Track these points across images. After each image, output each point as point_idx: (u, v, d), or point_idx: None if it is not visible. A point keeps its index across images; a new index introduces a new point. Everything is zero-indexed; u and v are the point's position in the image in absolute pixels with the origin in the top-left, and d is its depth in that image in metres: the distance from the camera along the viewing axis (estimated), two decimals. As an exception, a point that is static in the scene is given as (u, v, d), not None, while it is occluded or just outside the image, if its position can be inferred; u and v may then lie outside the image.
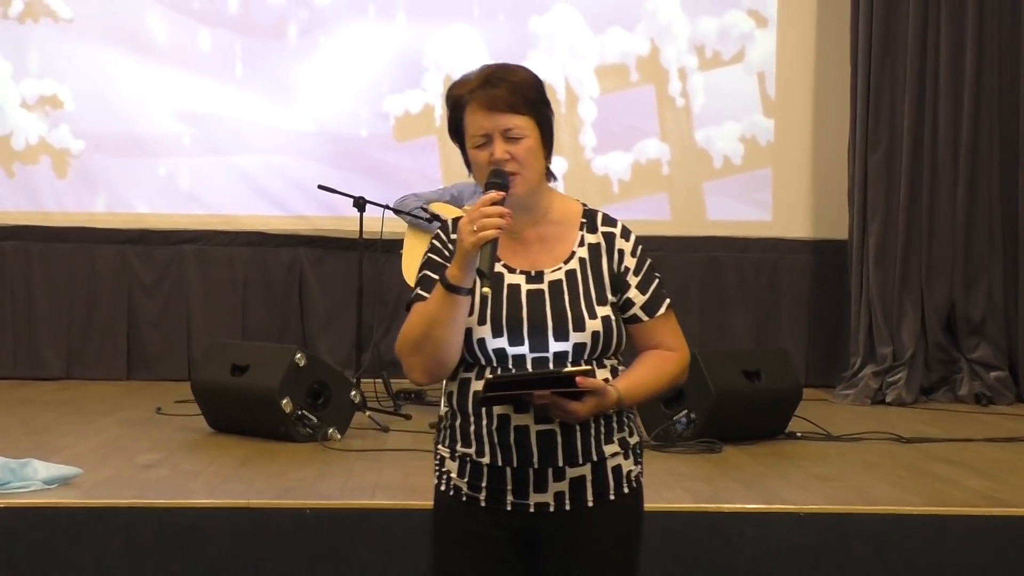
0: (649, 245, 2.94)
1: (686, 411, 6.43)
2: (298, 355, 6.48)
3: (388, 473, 5.57)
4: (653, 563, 4.81)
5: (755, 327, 9.26)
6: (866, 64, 8.78)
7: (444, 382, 2.87)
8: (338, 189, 7.70)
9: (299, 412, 6.39)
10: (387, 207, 7.53)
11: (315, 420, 6.41)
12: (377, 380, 7.75)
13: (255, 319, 9.16)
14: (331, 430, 6.43)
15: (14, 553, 4.73)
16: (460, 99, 2.81)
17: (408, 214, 7.50)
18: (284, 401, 6.32)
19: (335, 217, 8.81)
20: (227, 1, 9.19)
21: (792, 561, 4.87)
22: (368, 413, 6.89)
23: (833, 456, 6.30)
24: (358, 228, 7.59)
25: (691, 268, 9.15)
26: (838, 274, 9.16)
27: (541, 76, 2.86)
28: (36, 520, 4.79)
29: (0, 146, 9.12)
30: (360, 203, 7.54)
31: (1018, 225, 8.78)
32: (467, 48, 9.06)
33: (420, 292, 2.82)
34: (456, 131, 2.84)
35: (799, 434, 6.78)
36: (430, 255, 2.87)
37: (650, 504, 4.93)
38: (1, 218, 9.10)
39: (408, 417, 7.11)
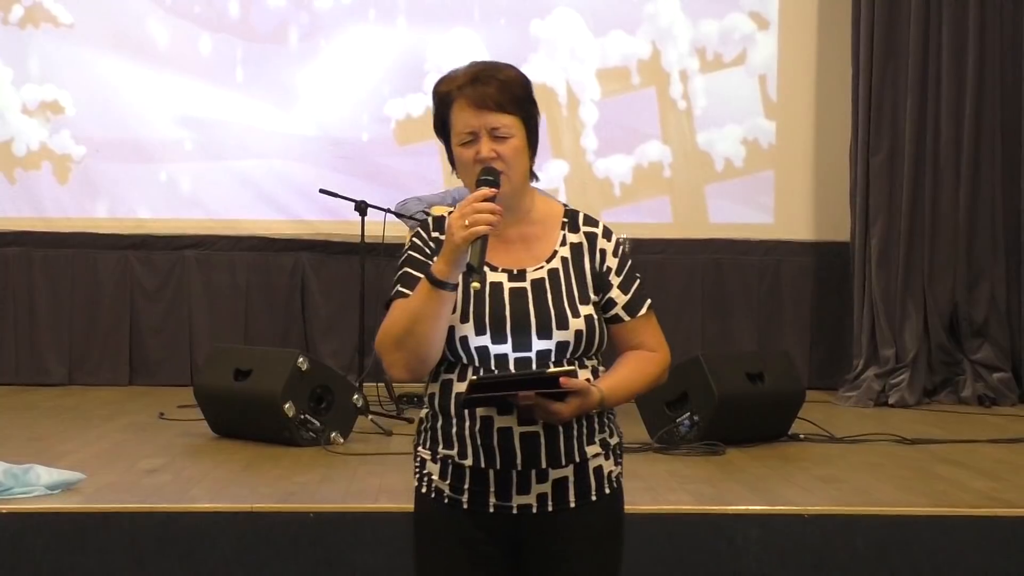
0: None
1: (689, 413, 6.43)
2: (301, 359, 6.48)
3: (391, 477, 5.56)
4: (657, 565, 4.83)
5: (757, 329, 9.24)
6: (868, 66, 8.78)
7: (426, 384, 2.86)
8: (339, 193, 7.70)
9: (302, 416, 6.39)
10: (389, 211, 7.53)
11: (318, 424, 6.41)
12: (379, 384, 7.74)
13: (257, 324, 9.15)
14: (334, 434, 6.42)
15: (17, 559, 4.73)
16: (447, 95, 2.79)
17: (410, 218, 7.49)
18: (287, 405, 6.32)
19: (337, 221, 8.81)
20: (228, 6, 9.19)
21: (796, 563, 4.86)
22: (371, 417, 6.89)
23: (836, 458, 6.30)
24: (360, 232, 7.59)
25: (693, 271, 9.12)
26: (840, 276, 9.15)
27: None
28: (39, 525, 4.78)
29: (1, 152, 9.12)
30: (361, 207, 7.54)
31: (1020, 226, 8.78)
32: (468, 51, 9.02)
33: (401, 289, 2.83)
34: (442, 128, 2.84)
35: (802, 436, 6.78)
36: (411, 252, 2.87)
37: (654, 506, 4.99)
38: (2, 224, 9.10)
39: (411, 421, 7.09)
